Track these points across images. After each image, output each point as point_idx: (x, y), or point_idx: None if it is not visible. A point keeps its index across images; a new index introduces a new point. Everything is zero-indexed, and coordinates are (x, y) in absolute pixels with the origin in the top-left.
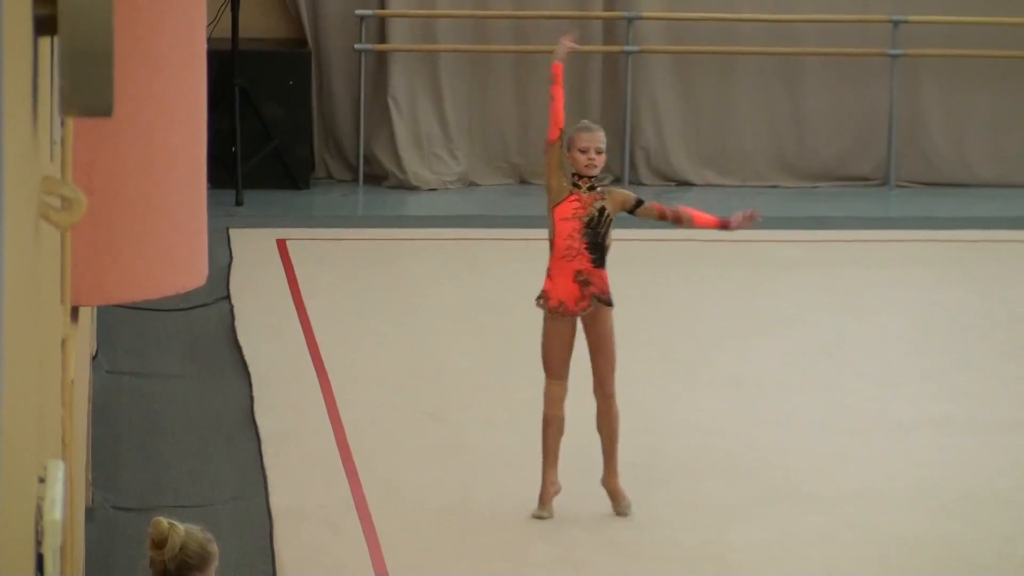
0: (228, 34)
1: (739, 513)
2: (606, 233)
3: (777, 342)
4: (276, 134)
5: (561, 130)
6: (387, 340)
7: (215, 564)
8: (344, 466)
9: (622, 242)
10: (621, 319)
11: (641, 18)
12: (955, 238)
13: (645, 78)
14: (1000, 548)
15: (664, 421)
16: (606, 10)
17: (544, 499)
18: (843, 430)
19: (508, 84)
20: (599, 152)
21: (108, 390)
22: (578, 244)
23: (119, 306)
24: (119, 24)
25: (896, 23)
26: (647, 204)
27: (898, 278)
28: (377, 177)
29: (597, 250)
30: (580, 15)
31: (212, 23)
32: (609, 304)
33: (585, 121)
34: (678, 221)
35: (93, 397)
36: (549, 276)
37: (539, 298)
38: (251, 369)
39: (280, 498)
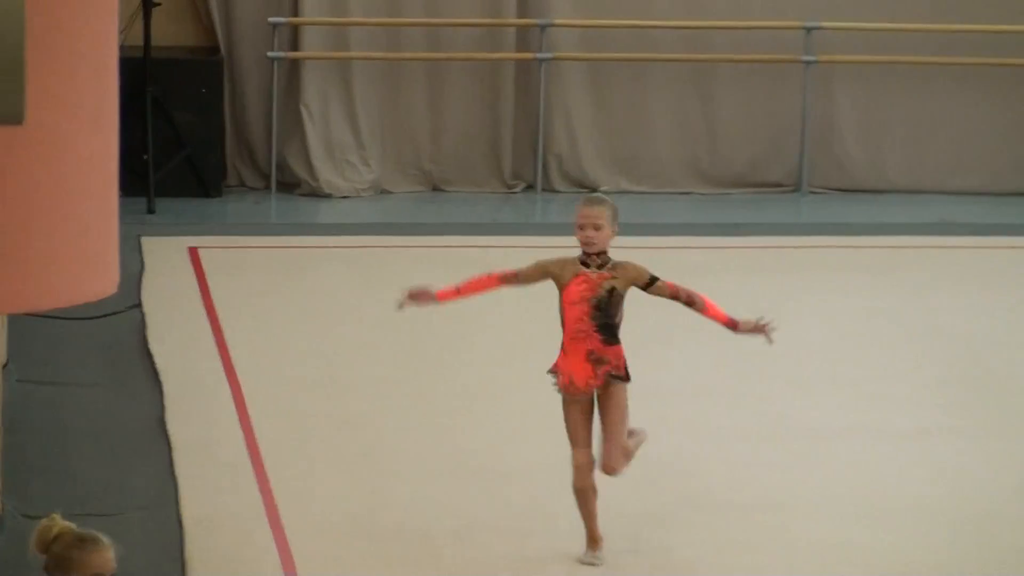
0: (140, 42)
1: (655, 521)
2: (616, 311)
3: (691, 349)
4: (188, 142)
5: (497, 278)
6: (299, 348)
7: (82, 573)
8: (255, 475)
9: (540, 249)
10: (537, 327)
11: (554, 25)
12: (868, 244)
13: (558, 85)
14: (915, 555)
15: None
16: (519, 17)
17: (593, 547)
18: (758, 437)
19: (421, 91)
20: (597, 228)
21: (19, 399)
22: (587, 327)
23: (30, 315)
24: (30, 32)
25: (809, 29)
26: (661, 283)
27: (811, 284)
28: (289, 185)
29: (608, 329)
30: (492, 22)
31: (124, 30)
32: (624, 379)
33: (595, 194)
34: (691, 304)
35: (3, 406)
36: (563, 351)
37: (551, 372)
38: (162, 377)
39: (191, 507)
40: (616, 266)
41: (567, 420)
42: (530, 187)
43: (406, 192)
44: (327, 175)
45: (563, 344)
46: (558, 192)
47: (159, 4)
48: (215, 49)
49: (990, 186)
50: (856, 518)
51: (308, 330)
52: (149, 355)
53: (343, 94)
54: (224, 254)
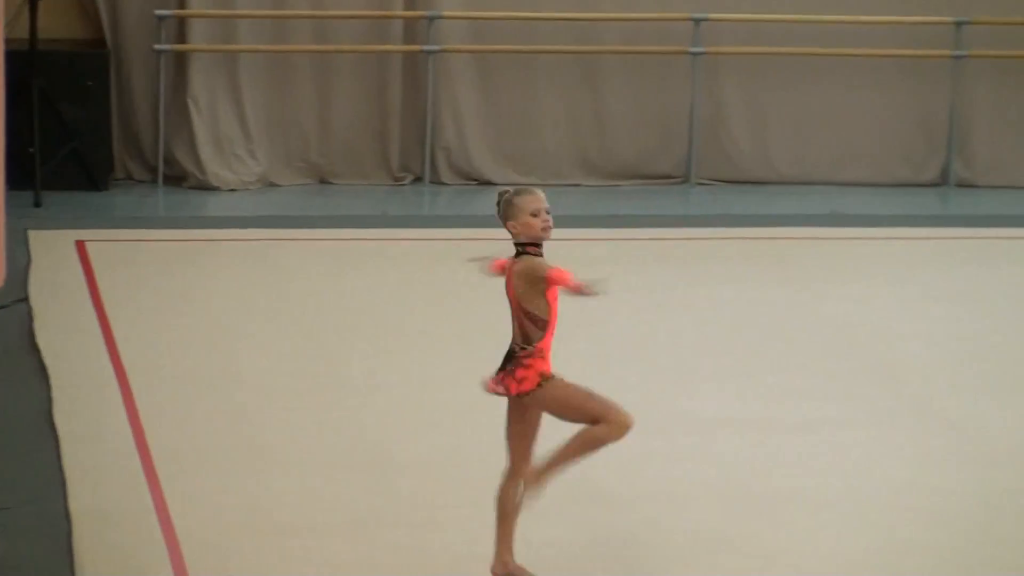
0: (26, 34)
1: (538, 513)
2: None
3: (580, 341)
4: (75, 135)
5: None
6: (187, 341)
7: None
8: (144, 468)
9: (428, 241)
10: (429, 318)
11: (442, 17)
12: (757, 235)
13: (446, 78)
14: (802, 546)
15: (465, 420)
16: (406, 9)
17: None
18: (646, 430)
19: (308, 84)
20: (549, 212)
21: None
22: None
23: None
24: None
25: (697, 21)
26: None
27: (700, 275)
28: (177, 178)
29: None
30: (380, 15)
31: (10, 23)
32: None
33: (518, 187)
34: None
35: None
36: (544, 357)
37: (551, 378)
38: (50, 371)
39: (79, 500)
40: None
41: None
42: (418, 179)
43: (294, 185)
44: (214, 168)
45: (544, 350)
46: (446, 185)
47: None
48: (101, 42)
49: (878, 177)
50: (744, 510)
51: (196, 323)
52: (36, 349)
53: (230, 87)
54: (112, 247)
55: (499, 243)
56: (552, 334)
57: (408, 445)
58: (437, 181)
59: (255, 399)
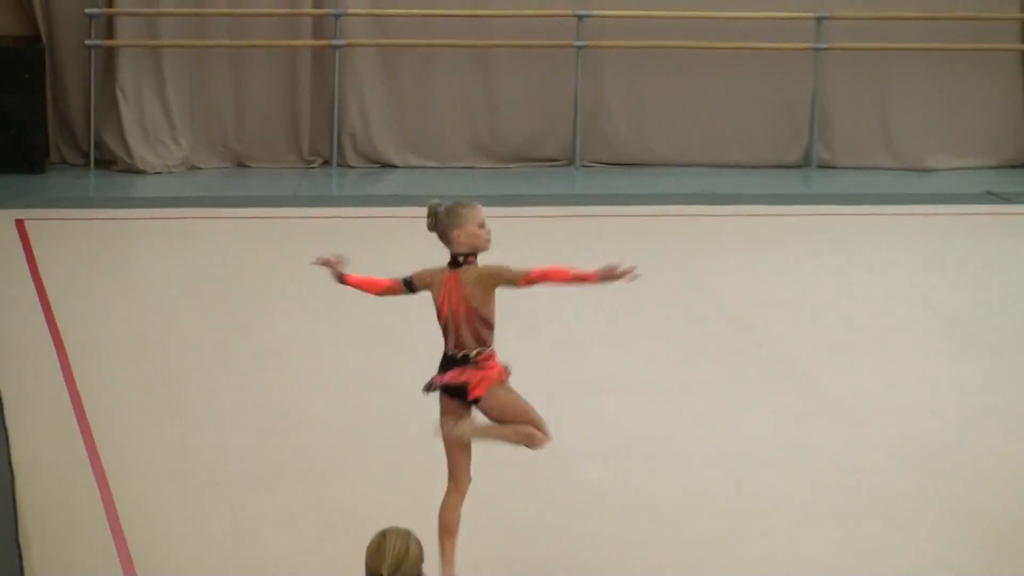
0: None
1: (435, 478)
2: None
3: None
4: (13, 123)
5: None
6: (118, 311)
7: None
8: (79, 425)
9: (339, 219)
10: (336, 289)
11: (347, 15)
12: (636, 213)
13: (351, 70)
14: (689, 499)
15: (369, 383)
16: (315, 7)
17: None
18: (534, 391)
19: (226, 76)
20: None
21: None
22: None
23: None
24: None
25: (580, 17)
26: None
27: (584, 251)
28: (107, 162)
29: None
30: (291, 12)
31: None
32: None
33: (456, 199)
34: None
35: None
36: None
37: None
38: None
39: (20, 455)
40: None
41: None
42: (326, 163)
43: (214, 168)
44: (141, 152)
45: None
46: (352, 167)
47: None
48: (37, 38)
49: (746, 159)
50: (634, 466)
51: (125, 294)
52: None
53: (155, 79)
54: (48, 225)
55: (400, 220)
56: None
57: (315, 405)
58: (344, 164)
59: (179, 362)
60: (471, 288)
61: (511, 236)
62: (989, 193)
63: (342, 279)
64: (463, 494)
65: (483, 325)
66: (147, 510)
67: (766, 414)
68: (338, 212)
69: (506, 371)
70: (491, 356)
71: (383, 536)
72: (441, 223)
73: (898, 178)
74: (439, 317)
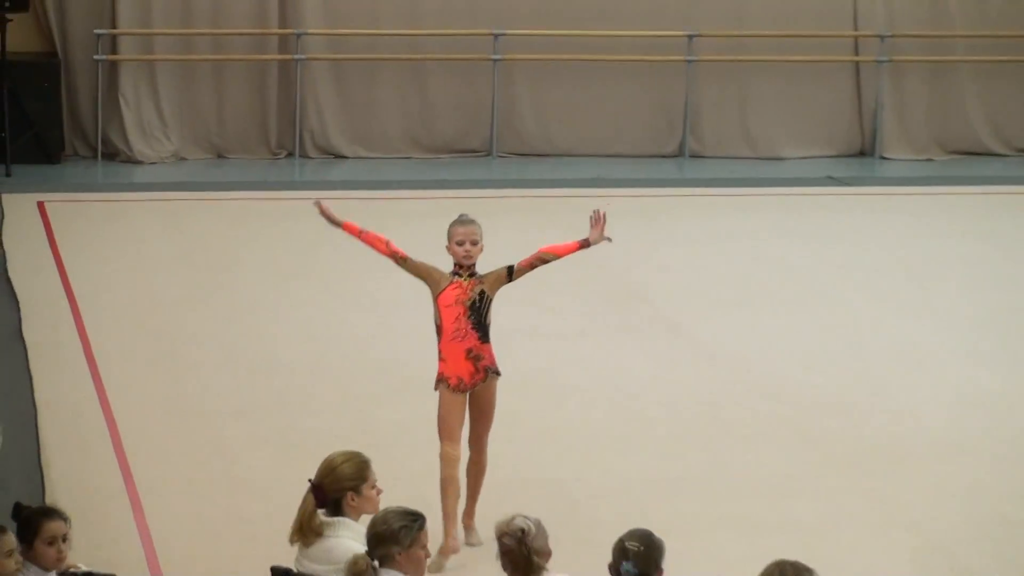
0: None
1: (380, 408)
2: (487, 312)
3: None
4: (35, 123)
5: (389, 246)
6: (122, 275)
7: None
8: (90, 368)
9: (300, 202)
10: (302, 256)
11: (307, 34)
12: (542, 195)
13: (311, 78)
14: (583, 426)
15: (333, 332)
16: (280, 27)
17: (444, 552)
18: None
19: (208, 84)
20: (474, 243)
21: None
22: (464, 325)
23: None
24: None
25: (496, 36)
26: (516, 266)
27: (499, 225)
28: (112, 154)
29: (481, 328)
30: (261, 32)
31: None
32: (498, 374)
33: (463, 214)
34: (546, 262)
35: None
36: (442, 359)
37: (438, 382)
38: (19, 297)
39: (42, 393)
40: (482, 276)
41: (446, 417)
42: (290, 154)
43: (198, 159)
44: (139, 146)
45: (441, 351)
46: (311, 158)
47: (11, 20)
48: (53, 54)
49: (631, 150)
50: (529, 395)
51: (128, 262)
52: (8, 281)
53: (150, 86)
54: (64, 206)
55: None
56: (446, 340)
57: (284, 351)
58: (304, 155)
59: (172, 317)
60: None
61: (438, 213)
62: (829, 177)
63: (342, 226)
64: (456, 454)
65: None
66: (147, 437)
67: (647, 357)
68: (300, 195)
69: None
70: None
71: (334, 452)
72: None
73: (755, 165)
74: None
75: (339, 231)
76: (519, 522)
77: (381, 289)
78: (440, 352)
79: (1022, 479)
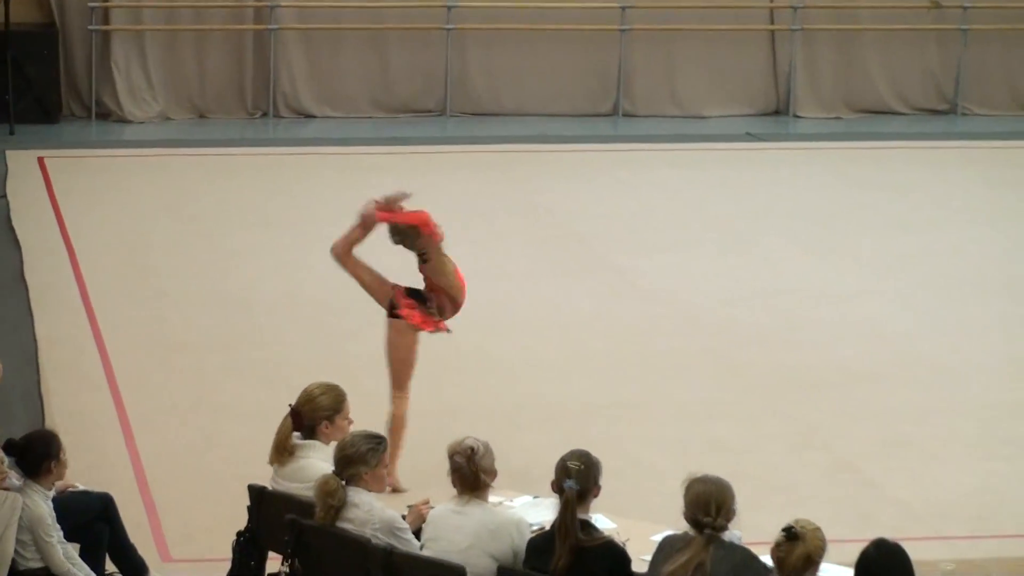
0: (1, 20)
1: (349, 344)
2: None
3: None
4: (36, 87)
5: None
6: (114, 223)
7: None
8: (85, 307)
9: (274, 157)
10: (277, 203)
11: (280, 6)
12: (493, 150)
13: (283, 46)
14: (527, 355)
15: (303, 274)
16: (256, 2)
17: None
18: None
19: (190, 51)
20: None
21: None
22: None
23: None
24: None
25: (450, 8)
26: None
27: (453, 179)
28: (104, 115)
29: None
30: (238, 4)
31: None
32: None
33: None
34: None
35: None
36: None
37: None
38: (22, 243)
39: (42, 329)
40: None
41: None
42: (265, 114)
43: (183, 118)
44: (129, 107)
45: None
46: (284, 118)
47: None
48: (52, 24)
49: (571, 110)
50: (476, 330)
51: (119, 211)
52: (12, 229)
53: (139, 54)
54: (62, 162)
55: (319, 156)
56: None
57: (260, 290)
58: (278, 115)
59: (160, 260)
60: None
61: (400, 167)
62: (748, 134)
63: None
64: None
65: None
66: (137, 369)
67: (586, 296)
68: (275, 151)
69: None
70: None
71: (314, 383)
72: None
73: (681, 123)
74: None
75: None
76: (469, 442)
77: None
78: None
79: (922, 403)
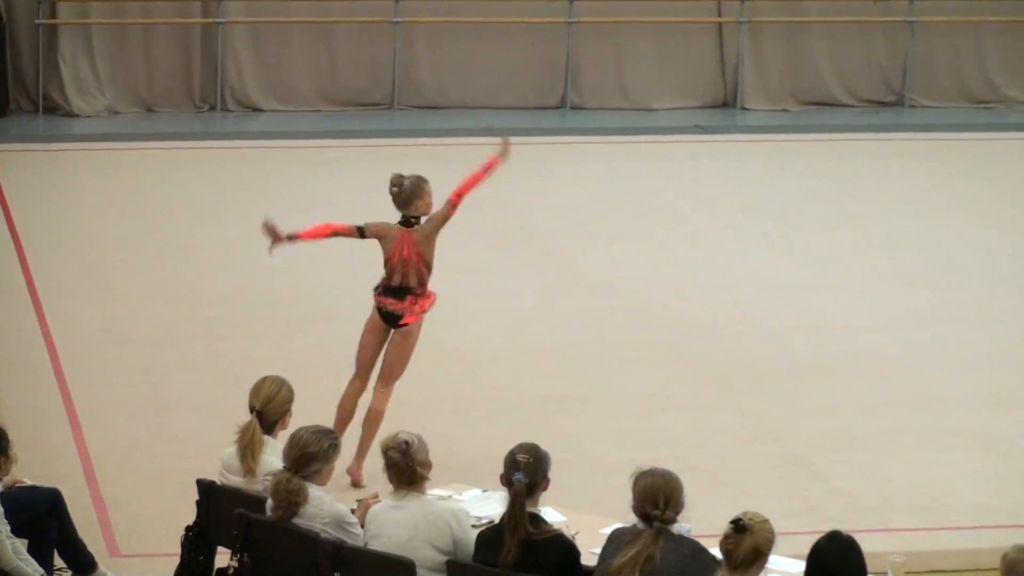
0: None
1: (296, 335)
2: None
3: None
4: None
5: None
6: (62, 216)
7: None
8: (32, 301)
9: (220, 150)
10: (222, 193)
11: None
12: (440, 143)
13: (230, 40)
14: (476, 345)
15: (247, 272)
16: None
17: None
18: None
19: (139, 45)
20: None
21: None
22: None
23: None
24: None
25: (397, 0)
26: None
27: (401, 170)
28: (52, 108)
29: None
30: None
31: None
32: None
33: (416, 176)
34: (467, 191)
35: None
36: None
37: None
38: None
39: None
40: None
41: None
42: (212, 108)
43: (130, 112)
44: (77, 101)
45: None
46: (231, 111)
47: None
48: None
49: (520, 103)
50: (428, 322)
51: (67, 204)
52: None
53: (86, 47)
54: (10, 155)
55: (267, 150)
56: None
57: (210, 284)
58: (225, 109)
59: (109, 254)
60: (421, 242)
61: (349, 160)
62: (696, 126)
63: (294, 238)
64: (364, 388)
65: (427, 269)
66: (84, 363)
67: (536, 288)
68: (221, 144)
69: (422, 315)
70: (427, 295)
71: (263, 380)
72: (405, 192)
73: (630, 116)
74: (388, 262)
75: (296, 244)
76: (403, 436)
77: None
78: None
79: (871, 395)
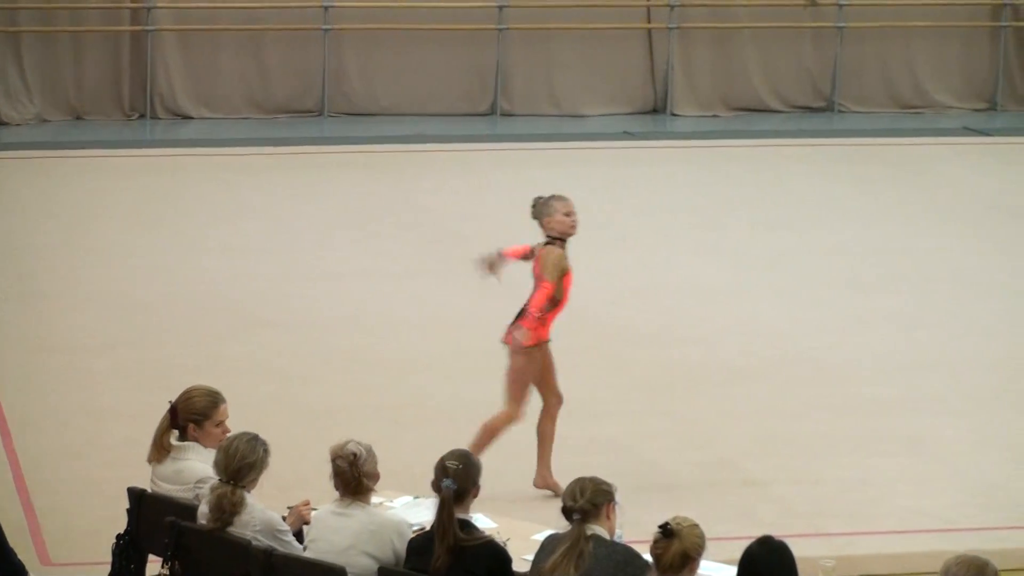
0: None
1: (225, 343)
2: None
3: (260, 221)
4: None
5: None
6: None
7: None
8: None
9: (150, 159)
10: (152, 202)
11: (157, 8)
12: (368, 150)
13: (160, 48)
14: (408, 353)
15: (181, 277)
16: (133, 2)
17: None
18: (287, 278)
19: (68, 52)
20: (572, 213)
21: None
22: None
23: None
24: None
25: (326, 8)
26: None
27: (331, 179)
28: None
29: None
30: (115, 6)
31: None
32: None
33: (554, 194)
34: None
35: None
36: (542, 323)
37: (540, 344)
38: None
39: None
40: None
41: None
42: (142, 116)
43: (60, 120)
44: (5, 109)
45: (545, 319)
46: (161, 119)
47: None
48: None
49: (449, 110)
50: (359, 330)
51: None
52: None
53: (15, 55)
54: None
55: (197, 158)
56: (560, 311)
57: (142, 291)
58: (155, 117)
59: (40, 263)
60: (544, 260)
61: (275, 167)
62: (626, 133)
63: (504, 256)
64: (511, 420)
65: (538, 297)
66: (16, 371)
67: (466, 294)
68: (152, 152)
69: (539, 341)
70: (520, 324)
71: (196, 386)
72: (538, 211)
73: (559, 122)
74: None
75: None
76: (352, 447)
77: (229, 236)
78: (544, 319)
79: (802, 400)
